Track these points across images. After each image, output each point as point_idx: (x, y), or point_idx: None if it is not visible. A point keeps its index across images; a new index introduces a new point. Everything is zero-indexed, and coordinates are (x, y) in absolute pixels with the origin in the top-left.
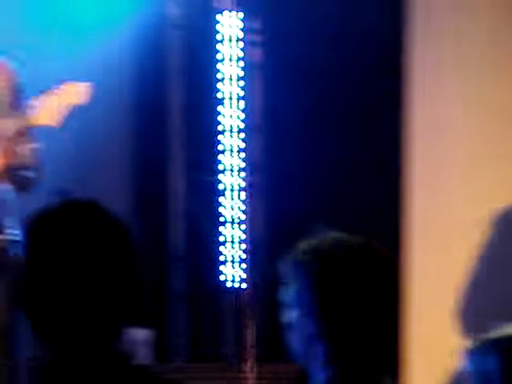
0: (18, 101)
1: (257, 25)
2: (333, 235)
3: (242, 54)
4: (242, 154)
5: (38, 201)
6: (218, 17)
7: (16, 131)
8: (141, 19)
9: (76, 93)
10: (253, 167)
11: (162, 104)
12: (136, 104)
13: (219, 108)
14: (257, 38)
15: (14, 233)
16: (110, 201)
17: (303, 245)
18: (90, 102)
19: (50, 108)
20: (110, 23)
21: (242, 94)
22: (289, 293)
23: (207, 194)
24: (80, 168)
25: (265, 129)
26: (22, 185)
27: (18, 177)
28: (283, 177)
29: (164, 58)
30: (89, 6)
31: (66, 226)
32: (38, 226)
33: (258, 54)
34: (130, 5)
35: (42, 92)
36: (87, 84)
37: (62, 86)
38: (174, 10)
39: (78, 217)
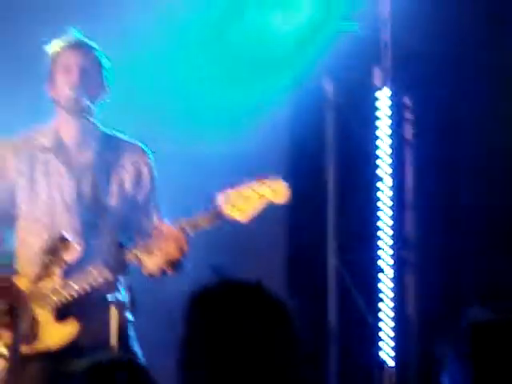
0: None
1: (408, 101)
2: (485, 314)
3: (393, 131)
4: (394, 231)
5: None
6: (375, 94)
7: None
8: (297, 96)
9: (275, 190)
10: (404, 244)
11: (317, 185)
12: (293, 186)
13: (374, 185)
14: (408, 115)
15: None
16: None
17: (462, 322)
18: None
19: (245, 203)
20: (267, 102)
21: (393, 170)
22: (445, 372)
23: (360, 271)
24: (234, 254)
25: (416, 205)
26: (176, 268)
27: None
28: (435, 253)
29: (320, 137)
30: (246, 87)
31: (231, 307)
32: (201, 304)
33: (408, 130)
34: (288, 84)
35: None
36: (285, 184)
37: (260, 182)
38: (330, 88)
39: (243, 298)
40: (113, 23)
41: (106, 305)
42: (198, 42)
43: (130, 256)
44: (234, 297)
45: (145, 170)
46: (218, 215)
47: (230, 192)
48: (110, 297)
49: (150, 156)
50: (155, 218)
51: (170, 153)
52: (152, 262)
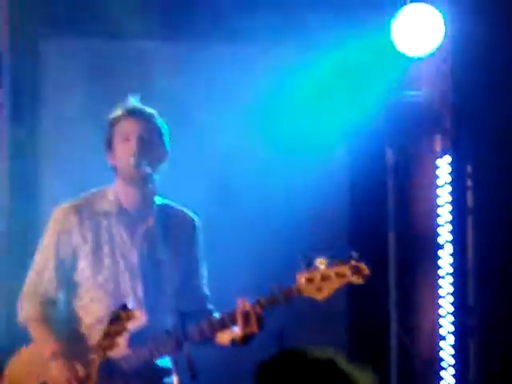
0: None
1: (469, 168)
2: None
3: (454, 199)
4: (455, 298)
5: None
6: (436, 161)
7: None
8: (359, 162)
9: (356, 272)
10: (466, 311)
11: (377, 250)
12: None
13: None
14: (469, 182)
15: None
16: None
17: None
18: None
19: (325, 282)
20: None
21: (453, 238)
22: None
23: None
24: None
25: (477, 272)
26: (248, 342)
27: None
28: (497, 319)
29: (381, 202)
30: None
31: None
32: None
33: (470, 197)
34: (351, 149)
35: None
36: (366, 266)
37: (341, 262)
38: (391, 154)
39: (310, 369)
40: None
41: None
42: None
43: (202, 327)
44: (303, 369)
45: (193, 240)
46: (297, 293)
47: (311, 271)
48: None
49: (199, 225)
50: (204, 288)
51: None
52: (227, 335)
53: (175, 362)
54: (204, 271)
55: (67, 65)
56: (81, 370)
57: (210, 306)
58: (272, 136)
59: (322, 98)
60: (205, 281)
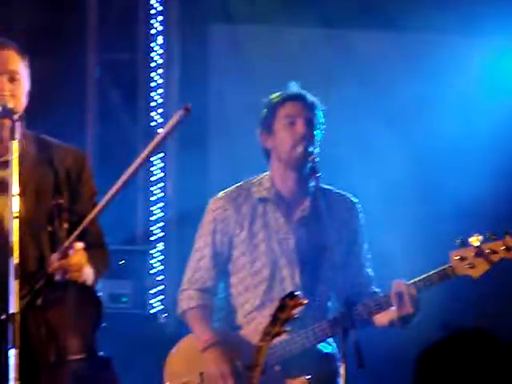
0: None
1: None
2: None
3: None
4: None
5: None
6: None
7: None
8: None
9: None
10: None
11: None
12: None
13: None
14: None
15: None
16: None
17: None
18: None
19: (479, 259)
20: None
21: None
22: None
23: None
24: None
25: None
26: (406, 324)
27: None
28: None
29: None
30: None
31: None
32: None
33: None
34: None
35: None
36: None
37: (494, 238)
38: None
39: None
40: None
41: (317, 356)
42: None
43: (359, 311)
44: (465, 348)
45: (355, 222)
46: (452, 273)
47: (464, 249)
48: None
49: (360, 208)
50: (368, 270)
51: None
52: (385, 316)
53: (340, 349)
54: (367, 253)
55: (236, 52)
56: (236, 363)
57: (374, 288)
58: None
59: None
60: (369, 263)
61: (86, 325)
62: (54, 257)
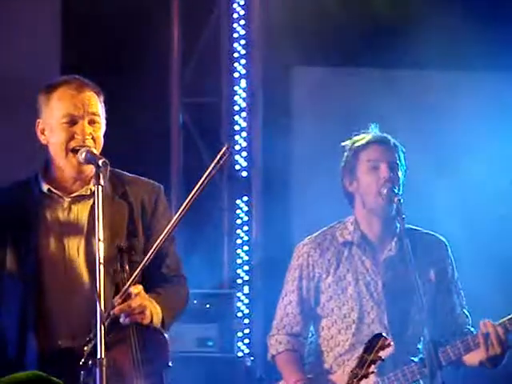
0: None
1: None
2: None
3: None
4: None
5: None
6: None
7: None
8: None
9: None
10: None
11: None
12: None
13: None
14: None
15: None
16: None
17: None
18: None
19: None
20: None
21: None
22: None
23: None
24: None
25: None
26: (496, 365)
27: None
28: None
29: None
30: None
31: None
32: None
33: None
34: None
35: None
36: None
37: None
38: None
39: None
40: None
41: None
42: None
43: (447, 352)
44: None
45: (444, 261)
46: None
47: None
48: None
49: (448, 247)
50: (462, 309)
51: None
52: (475, 357)
53: None
54: (459, 292)
55: (319, 94)
56: None
57: (470, 328)
58: None
59: None
60: (462, 301)
61: (153, 365)
62: (116, 300)
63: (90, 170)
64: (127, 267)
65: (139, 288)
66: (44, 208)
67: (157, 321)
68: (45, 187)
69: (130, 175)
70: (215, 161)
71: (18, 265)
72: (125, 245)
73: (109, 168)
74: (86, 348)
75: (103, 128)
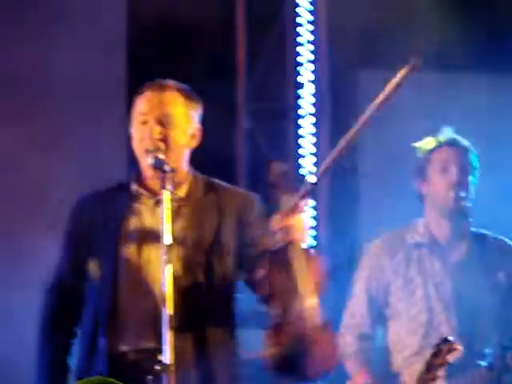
0: None
1: None
2: None
3: None
4: None
5: None
6: None
7: None
8: None
9: None
10: None
11: None
12: None
13: None
14: None
15: None
16: None
17: None
18: None
19: None
20: None
21: None
22: None
23: None
24: None
25: None
26: None
27: None
28: None
29: None
30: None
31: None
32: None
33: None
34: None
35: None
36: None
37: None
38: None
39: None
40: None
41: None
42: None
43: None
44: None
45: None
46: None
47: None
48: None
49: None
50: None
51: None
52: None
53: None
54: None
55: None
56: None
57: None
58: None
59: None
60: None
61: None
62: (277, 218)
63: (163, 173)
64: (211, 273)
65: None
66: (130, 210)
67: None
68: (133, 187)
69: (224, 184)
70: (402, 73)
71: (98, 268)
72: (210, 251)
73: (190, 173)
74: (158, 356)
75: (183, 130)
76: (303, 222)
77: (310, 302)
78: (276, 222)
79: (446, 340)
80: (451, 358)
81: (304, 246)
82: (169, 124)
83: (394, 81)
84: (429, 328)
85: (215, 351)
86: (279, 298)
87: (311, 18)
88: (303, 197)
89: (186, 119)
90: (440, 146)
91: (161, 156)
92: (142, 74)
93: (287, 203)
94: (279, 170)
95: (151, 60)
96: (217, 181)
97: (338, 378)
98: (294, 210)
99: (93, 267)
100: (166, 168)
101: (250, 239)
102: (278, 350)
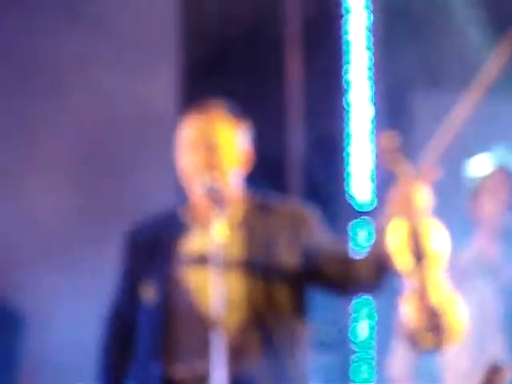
0: None
1: None
2: None
3: None
4: None
5: None
6: None
7: None
8: None
9: None
10: None
11: None
12: None
13: None
14: None
15: None
16: None
17: None
18: None
19: None
20: None
21: None
22: None
23: None
24: None
25: None
26: None
27: None
28: None
29: None
30: None
31: None
32: None
33: None
34: None
35: None
36: None
37: None
38: None
39: None
40: None
41: None
42: None
43: None
44: None
45: None
46: None
47: None
48: None
49: None
50: None
51: None
52: None
53: None
54: None
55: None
56: None
57: None
58: None
59: None
60: None
61: None
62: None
63: (216, 199)
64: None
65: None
66: (182, 235)
67: None
68: (183, 213)
69: (277, 201)
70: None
71: (153, 293)
72: (268, 271)
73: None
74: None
75: (233, 154)
76: (421, 193)
77: None
78: (393, 193)
79: (496, 365)
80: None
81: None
82: (217, 148)
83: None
84: (480, 350)
85: (283, 352)
86: None
87: (365, 37)
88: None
89: (235, 142)
90: (491, 169)
91: (212, 182)
92: (193, 87)
93: (404, 174)
94: (388, 142)
95: (202, 68)
96: (270, 199)
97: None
98: (412, 180)
99: (147, 293)
100: (218, 194)
101: (313, 249)
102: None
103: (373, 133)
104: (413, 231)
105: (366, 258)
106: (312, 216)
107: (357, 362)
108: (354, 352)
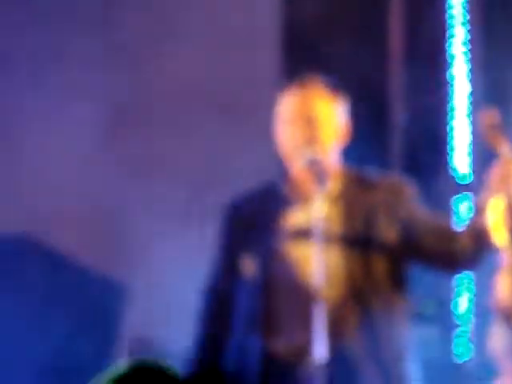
0: None
1: None
2: None
3: None
4: None
5: None
6: None
7: None
8: None
9: None
10: None
11: None
12: None
13: None
14: None
15: None
16: None
17: None
18: None
19: None
20: None
21: None
22: None
23: None
24: None
25: None
26: None
27: None
28: None
29: None
30: None
31: None
32: None
33: None
34: None
35: None
36: None
37: None
38: None
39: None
40: None
41: None
42: None
43: None
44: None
45: None
46: None
47: None
48: None
49: None
50: None
51: None
52: None
53: None
54: None
55: None
56: None
57: None
58: None
59: None
60: None
61: None
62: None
63: (317, 172)
64: (369, 267)
65: None
66: (283, 209)
67: None
68: (284, 186)
69: (376, 175)
70: None
71: (254, 266)
72: (367, 245)
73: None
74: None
75: (331, 127)
76: None
77: None
78: (493, 170)
79: None
80: None
81: None
82: (316, 123)
83: None
84: None
85: (382, 325)
86: None
87: (465, 15)
88: None
89: (332, 116)
90: None
91: (312, 155)
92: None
93: (504, 152)
94: (490, 119)
95: (302, 54)
96: (368, 173)
97: None
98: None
99: (247, 266)
100: (320, 166)
101: (413, 223)
102: None
103: (470, 108)
104: (510, 208)
105: (466, 233)
106: (411, 190)
107: (458, 336)
108: (456, 326)
